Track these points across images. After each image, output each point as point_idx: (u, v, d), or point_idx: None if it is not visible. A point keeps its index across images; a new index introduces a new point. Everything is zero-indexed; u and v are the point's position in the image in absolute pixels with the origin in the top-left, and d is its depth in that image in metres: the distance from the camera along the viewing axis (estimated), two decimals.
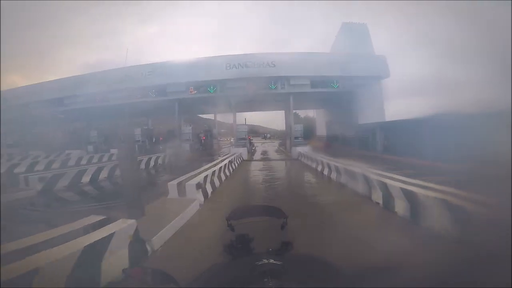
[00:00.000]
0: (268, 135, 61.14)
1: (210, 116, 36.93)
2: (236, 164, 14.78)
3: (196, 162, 18.71)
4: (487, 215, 3.29)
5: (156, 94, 23.72)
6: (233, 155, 16.44)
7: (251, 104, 26.34)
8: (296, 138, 21.24)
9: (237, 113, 26.29)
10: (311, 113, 36.83)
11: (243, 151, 19.20)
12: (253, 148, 31.22)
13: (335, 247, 3.65)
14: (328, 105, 27.19)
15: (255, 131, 53.43)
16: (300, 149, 18.74)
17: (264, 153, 25.12)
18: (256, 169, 13.88)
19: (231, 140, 23.46)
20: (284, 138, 29.83)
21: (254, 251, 1.59)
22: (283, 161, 17.95)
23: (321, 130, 32.28)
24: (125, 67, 24.62)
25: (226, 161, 11.94)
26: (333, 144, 26.24)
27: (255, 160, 18.60)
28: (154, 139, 28.53)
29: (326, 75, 21.90)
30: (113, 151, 23.48)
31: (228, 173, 11.38)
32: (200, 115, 37.79)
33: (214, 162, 11.93)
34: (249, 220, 1.84)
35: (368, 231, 4.38)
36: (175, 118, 23.63)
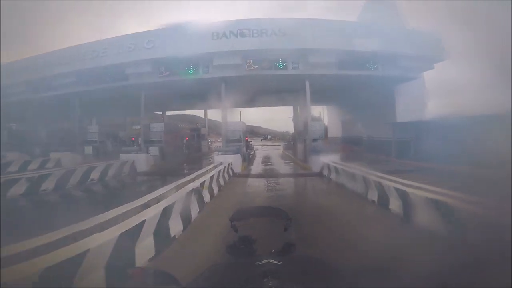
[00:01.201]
0: (269, 136, 54.67)
1: (199, 113, 30.19)
2: (217, 189, 7.85)
3: (159, 177, 11.87)
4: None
5: (113, 79, 16.77)
6: (216, 167, 9.56)
7: (248, 95, 19.31)
8: (314, 140, 14.30)
9: (230, 109, 19.46)
10: (314, 110, 29.56)
11: (235, 160, 12.22)
12: (252, 152, 24.28)
13: None
14: (351, 96, 20.16)
15: (255, 132, 46.68)
16: (326, 158, 11.79)
17: (267, 161, 18.06)
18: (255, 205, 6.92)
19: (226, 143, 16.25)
20: (292, 140, 22.89)
21: (257, 252, 1.57)
22: (301, 179, 10.87)
23: (333, 131, 25.36)
24: (72, 46, 17.68)
25: (184, 193, 5.01)
26: (355, 149, 19.34)
27: (254, 176, 11.59)
28: (120, 140, 21.57)
29: (361, 51, 14.92)
30: (54, 155, 16.69)
31: (181, 227, 4.50)
32: (186, 111, 30.85)
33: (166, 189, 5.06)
34: (253, 221, 1.81)
35: None
36: (141, 112, 16.64)
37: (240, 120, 17.42)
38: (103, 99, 18.61)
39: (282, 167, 14.49)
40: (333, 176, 10.02)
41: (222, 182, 8.86)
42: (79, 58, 16.90)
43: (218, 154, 12.33)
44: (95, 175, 10.93)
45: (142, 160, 14.03)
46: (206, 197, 6.55)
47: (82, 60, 16.80)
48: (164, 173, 12.58)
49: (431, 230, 4.13)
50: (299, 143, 17.04)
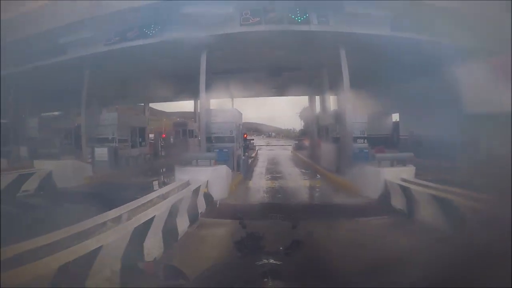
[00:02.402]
0: (273, 134, 49.16)
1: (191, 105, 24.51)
2: None
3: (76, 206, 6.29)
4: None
5: (47, 53, 11.37)
6: (156, 206, 3.89)
7: (243, 74, 13.59)
8: (356, 140, 8.56)
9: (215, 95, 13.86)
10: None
11: (217, 176, 6.43)
12: (253, 155, 18.57)
13: None
14: (393, 76, 14.08)
15: (258, 130, 41.03)
16: (388, 171, 6.05)
17: (274, 169, 12.13)
18: None
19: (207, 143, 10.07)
20: (308, 139, 17.05)
21: (265, 249, 1.50)
22: (372, 229, 4.88)
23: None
24: None
25: None
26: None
27: (252, 216, 5.75)
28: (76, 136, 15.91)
29: (430, 4, 9.03)
30: None
31: None
32: (174, 103, 25.14)
33: None
34: (261, 218, 1.85)
35: None
36: (83, 97, 11.11)
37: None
38: (48, 81, 13.10)
39: (303, 184, 8.52)
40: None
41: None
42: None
43: (180, 172, 6.36)
44: None
45: (67, 170, 8.43)
46: None
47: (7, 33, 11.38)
48: (94, 196, 6.97)
49: None
50: (325, 142, 11.23)
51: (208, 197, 5.68)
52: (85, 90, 11.01)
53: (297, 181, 8.76)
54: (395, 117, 18.46)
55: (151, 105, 23.63)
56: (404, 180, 5.86)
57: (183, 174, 6.05)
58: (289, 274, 1.14)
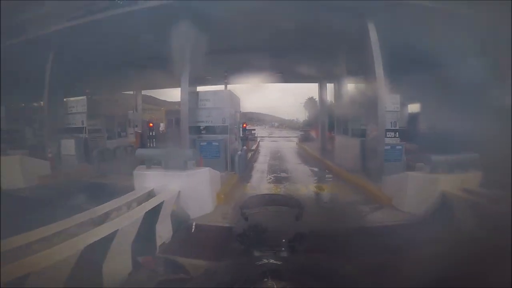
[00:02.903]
0: (276, 124, 47.31)
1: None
2: None
3: None
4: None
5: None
6: None
7: (240, 57, 11.41)
8: (388, 132, 6.62)
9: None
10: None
11: (192, 188, 4.53)
12: (254, 146, 16.70)
13: None
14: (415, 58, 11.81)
15: (261, 120, 38.88)
16: (454, 180, 4.09)
17: (278, 166, 10.14)
18: None
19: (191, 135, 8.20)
20: (319, 130, 15.05)
21: (268, 241, 1.47)
22: None
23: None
24: None
25: None
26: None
27: None
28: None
29: None
30: None
31: None
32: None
33: None
34: (264, 209, 1.75)
35: None
36: (46, 84, 9.30)
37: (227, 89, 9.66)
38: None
39: (317, 191, 6.55)
40: None
41: None
42: None
43: (149, 169, 4.49)
44: None
45: (14, 168, 6.64)
46: None
47: None
48: (37, 204, 5.28)
49: None
50: (341, 135, 9.26)
51: (177, 217, 3.81)
52: (48, 74, 9.14)
53: (309, 187, 6.78)
54: (412, 108, 16.47)
55: (152, 93, 21.63)
56: (470, 191, 3.95)
57: (145, 180, 4.16)
58: (289, 274, 1.11)
